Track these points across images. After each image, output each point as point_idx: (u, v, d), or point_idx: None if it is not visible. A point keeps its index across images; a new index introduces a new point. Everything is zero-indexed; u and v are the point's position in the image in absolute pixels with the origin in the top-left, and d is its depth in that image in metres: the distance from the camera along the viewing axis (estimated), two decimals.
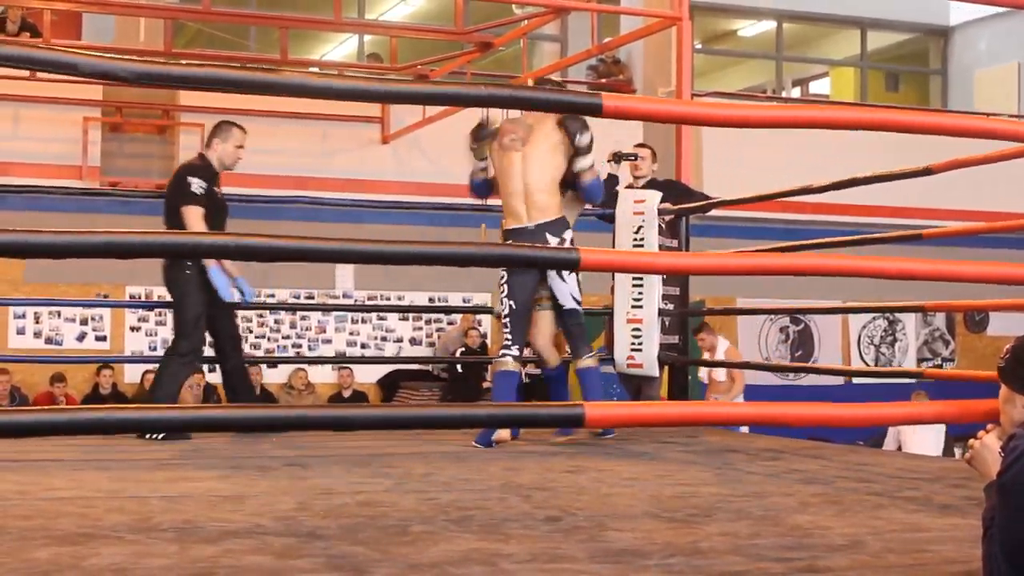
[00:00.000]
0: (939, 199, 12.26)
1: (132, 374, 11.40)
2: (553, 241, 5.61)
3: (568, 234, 5.70)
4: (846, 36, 16.72)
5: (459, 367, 11.50)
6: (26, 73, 9.31)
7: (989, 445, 2.65)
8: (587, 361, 5.83)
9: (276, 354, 12.02)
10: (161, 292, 11.19)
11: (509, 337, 5.75)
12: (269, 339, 12.12)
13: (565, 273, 5.68)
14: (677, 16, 7.65)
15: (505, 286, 5.71)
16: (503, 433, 5.65)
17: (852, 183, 5.97)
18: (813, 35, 17.09)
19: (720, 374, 10.42)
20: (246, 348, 11.89)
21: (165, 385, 6.01)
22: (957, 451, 9.98)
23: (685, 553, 3.03)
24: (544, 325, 6.10)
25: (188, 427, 2.82)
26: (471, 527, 3.38)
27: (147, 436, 5.52)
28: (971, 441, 2.72)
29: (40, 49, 2.59)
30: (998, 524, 2.44)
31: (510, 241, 5.59)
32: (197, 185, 6.00)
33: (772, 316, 13.57)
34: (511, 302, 5.73)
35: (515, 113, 5.68)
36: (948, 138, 3.48)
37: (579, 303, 5.81)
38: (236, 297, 6.21)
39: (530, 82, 8.65)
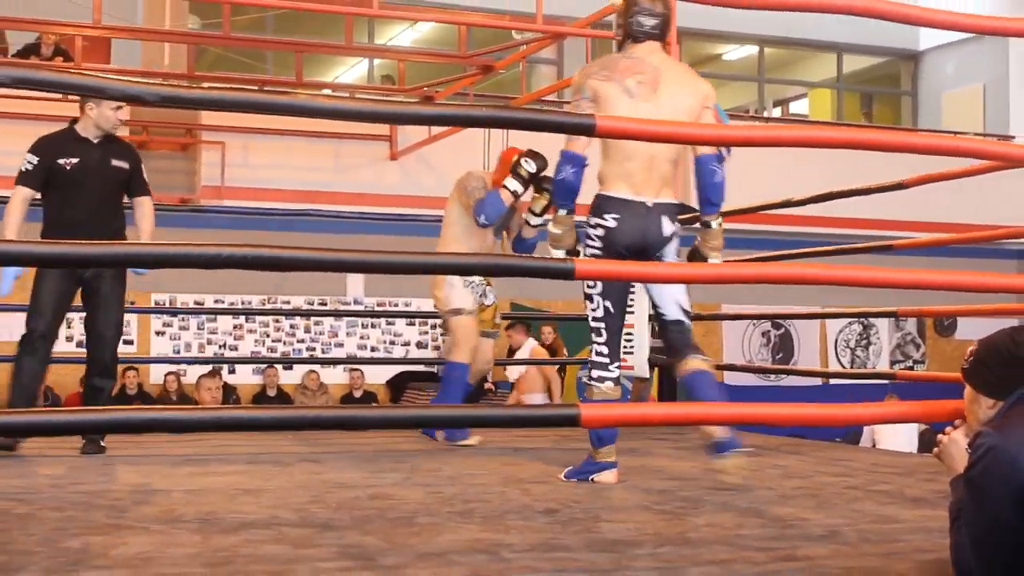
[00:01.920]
0: (910, 212, 12.27)
1: (156, 375, 11.40)
2: (668, 229, 4.14)
3: (677, 225, 4.24)
4: (823, 60, 16.74)
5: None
6: (59, 95, 9.31)
7: (957, 441, 2.66)
8: (697, 362, 4.16)
9: (291, 356, 12.03)
10: (185, 299, 11.30)
11: (606, 351, 4.20)
12: (284, 343, 12.12)
13: None
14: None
15: (599, 283, 4.18)
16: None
17: (829, 197, 5.98)
18: (793, 59, 17.11)
19: (517, 372, 10.65)
20: (262, 351, 11.95)
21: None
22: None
23: (674, 543, 3.03)
24: (486, 350, 5.94)
25: (209, 427, 2.82)
26: (474, 519, 3.38)
27: None
28: (939, 437, 2.73)
29: (72, 73, 2.60)
30: (965, 516, 2.44)
31: (613, 214, 4.07)
32: (25, 161, 5.11)
33: (755, 321, 13.56)
34: (606, 302, 4.18)
35: (646, 51, 4.18)
36: (918, 155, 3.48)
37: (688, 312, 4.28)
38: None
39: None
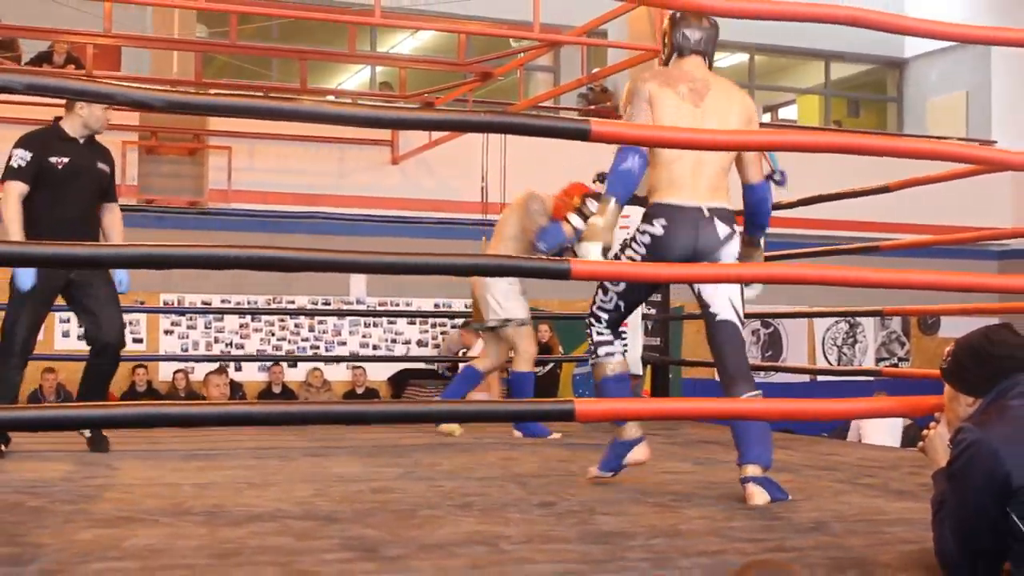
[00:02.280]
0: (895, 214, 12.28)
1: (165, 372, 11.40)
2: (723, 231, 3.79)
3: (739, 228, 3.90)
4: (811, 67, 16.74)
5: (461, 366, 11.50)
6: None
7: (941, 435, 2.67)
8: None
9: (296, 354, 12.03)
10: (192, 299, 11.29)
11: (607, 332, 4.01)
12: (289, 341, 12.11)
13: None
14: (658, 49, 7.64)
15: (622, 283, 3.96)
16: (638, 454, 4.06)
17: (818, 200, 5.98)
18: (782, 66, 17.11)
19: None
20: (268, 349, 11.94)
21: None
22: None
23: (667, 535, 3.03)
24: (492, 350, 6.09)
25: (217, 422, 2.82)
26: (473, 511, 3.38)
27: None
28: (924, 432, 2.74)
29: (83, 80, 2.60)
30: (947, 508, 2.45)
31: (662, 220, 3.77)
32: (17, 157, 4.84)
33: (744, 320, 13.55)
34: (621, 302, 3.97)
35: (693, 65, 3.95)
36: (903, 159, 3.48)
37: (740, 315, 3.87)
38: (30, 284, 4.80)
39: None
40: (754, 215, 4.03)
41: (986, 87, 15.11)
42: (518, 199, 6.11)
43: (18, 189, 4.82)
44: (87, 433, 5.00)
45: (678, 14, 3.97)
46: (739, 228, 3.89)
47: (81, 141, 5.00)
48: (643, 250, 3.81)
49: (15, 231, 4.75)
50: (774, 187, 4.03)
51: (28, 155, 4.85)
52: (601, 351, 4.00)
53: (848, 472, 4.46)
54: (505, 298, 5.97)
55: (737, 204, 3.93)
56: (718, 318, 3.81)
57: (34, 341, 4.96)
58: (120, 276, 5.10)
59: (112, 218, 5.15)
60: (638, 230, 3.86)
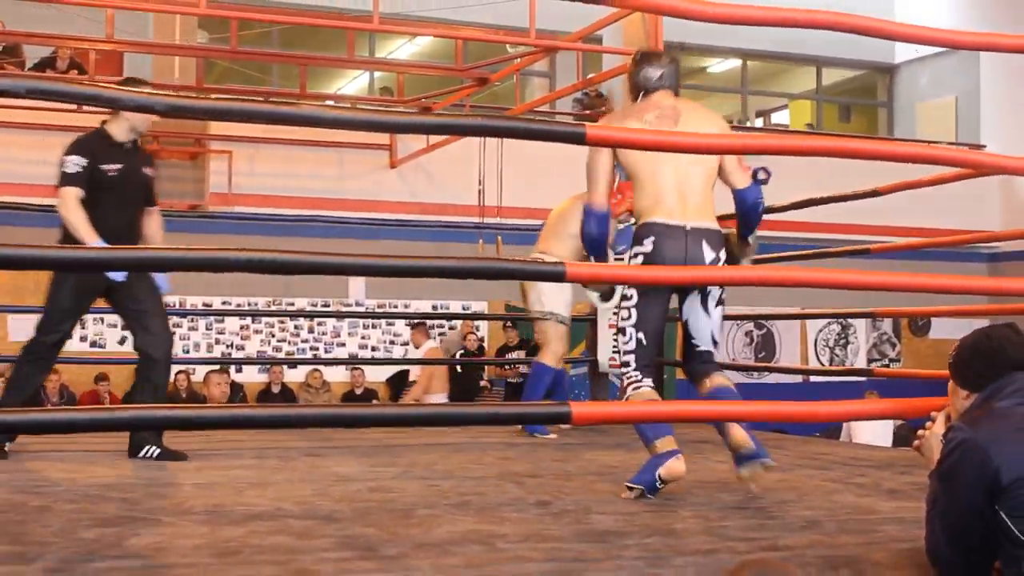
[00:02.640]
0: (886, 217, 12.29)
1: None
2: (709, 256, 3.81)
3: (723, 253, 3.90)
4: (803, 72, 16.76)
5: (459, 368, 11.50)
6: (74, 106, 9.29)
7: (937, 435, 2.67)
8: (721, 379, 3.95)
9: (296, 356, 12.02)
10: (193, 301, 11.27)
11: (638, 375, 3.86)
12: (289, 342, 12.10)
13: (711, 302, 3.92)
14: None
15: (632, 311, 3.87)
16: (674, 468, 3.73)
17: (809, 203, 5.99)
18: (774, 71, 17.13)
19: (416, 371, 11.28)
20: (268, 351, 11.93)
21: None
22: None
23: (662, 534, 3.03)
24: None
25: (216, 425, 2.82)
26: (470, 511, 3.38)
27: (141, 455, 4.75)
28: (920, 431, 2.74)
29: (86, 85, 2.60)
30: (938, 507, 2.45)
31: (652, 238, 3.79)
32: (72, 164, 4.68)
33: (738, 321, 13.56)
34: (639, 334, 3.87)
35: (659, 96, 3.99)
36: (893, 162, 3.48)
37: (717, 342, 4.00)
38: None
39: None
40: (747, 220, 4.04)
41: (975, 91, 15.13)
42: (580, 198, 6.06)
43: (76, 193, 4.67)
44: (153, 452, 4.79)
45: (639, 55, 4.07)
46: (724, 255, 3.92)
47: (127, 146, 4.86)
48: None
49: (86, 232, 4.59)
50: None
51: (84, 161, 4.70)
52: (630, 390, 3.87)
53: (840, 471, 4.46)
54: (551, 293, 5.98)
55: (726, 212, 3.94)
56: (698, 348, 3.98)
57: (60, 347, 4.89)
58: (159, 280, 4.96)
59: (153, 222, 5.05)
60: (630, 256, 3.87)
